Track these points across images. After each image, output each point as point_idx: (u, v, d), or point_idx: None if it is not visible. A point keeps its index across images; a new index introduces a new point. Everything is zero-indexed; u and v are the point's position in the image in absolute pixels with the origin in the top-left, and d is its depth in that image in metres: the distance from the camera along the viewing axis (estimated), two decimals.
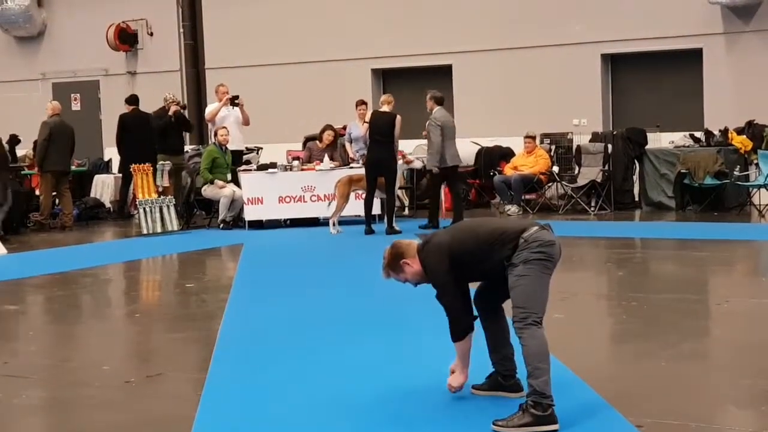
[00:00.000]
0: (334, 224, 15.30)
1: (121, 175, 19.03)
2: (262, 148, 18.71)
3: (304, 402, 6.08)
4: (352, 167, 16.24)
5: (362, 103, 17.35)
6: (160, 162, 16.98)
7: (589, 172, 17.49)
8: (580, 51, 19.12)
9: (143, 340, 8.72)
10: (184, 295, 10.89)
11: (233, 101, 17.18)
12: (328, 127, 17.27)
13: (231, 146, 16.88)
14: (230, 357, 7.36)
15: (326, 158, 16.47)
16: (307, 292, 10.38)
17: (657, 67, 19.15)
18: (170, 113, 17.31)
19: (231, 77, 19.22)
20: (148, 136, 18.09)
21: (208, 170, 16.37)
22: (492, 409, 5.73)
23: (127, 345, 8.53)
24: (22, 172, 19.54)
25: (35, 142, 18.11)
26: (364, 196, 15.49)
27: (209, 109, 17.78)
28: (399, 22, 20.58)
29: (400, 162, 16.05)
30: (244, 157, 18.03)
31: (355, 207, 15.65)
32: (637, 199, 17.85)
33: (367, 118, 16.36)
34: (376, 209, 15.65)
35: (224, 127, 16.73)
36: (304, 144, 18.75)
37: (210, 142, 17.41)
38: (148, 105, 19.35)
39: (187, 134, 19.17)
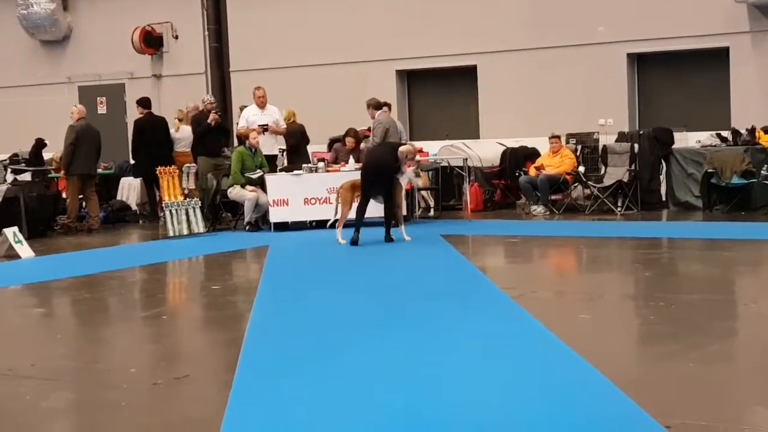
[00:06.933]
0: (341, 232, 14.16)
1: (140, 179, 19.14)
2: (285, 150, 18.74)
3: (332, 405, 6.06)
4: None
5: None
6: (186, 165, 17.06)
7: (616, 172, 17.43)
8: (605, 51, 19.08)
9: (170, 342, 8.73)
10: (210, 297, 10.89)
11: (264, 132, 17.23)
12: (350, 132, 17.29)
13: (265, 151, 16.93)
14: (257, 359, 7.36)
15: (351, 160, 16.47)
16: (333, 293, 10.37)
17: (683, 66, 19.09)
18: (210, 120, 17.32)
19: (256, 80, 19.26)
20: (164, 139, 18.16)
21: (238, 172, 16.40)
22: (523, 405, 5.72)
23: (154, 347, 8.54)
24: (49, 176, 19.64)
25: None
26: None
27: (242, 125, 17.75)
28: (423, 23, 20.57)
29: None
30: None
31: (376, 209, 15.37)
32: (664, 199, 17.76)
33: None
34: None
35: (254, 130, 16.75)
36: (330, 145, 18.78)
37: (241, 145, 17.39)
38: (173, 107, 19.44)
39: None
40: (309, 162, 17.06)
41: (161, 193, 16.95)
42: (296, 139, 18.18)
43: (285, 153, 19.08)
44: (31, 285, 12.10)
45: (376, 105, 16.57)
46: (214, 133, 17.57)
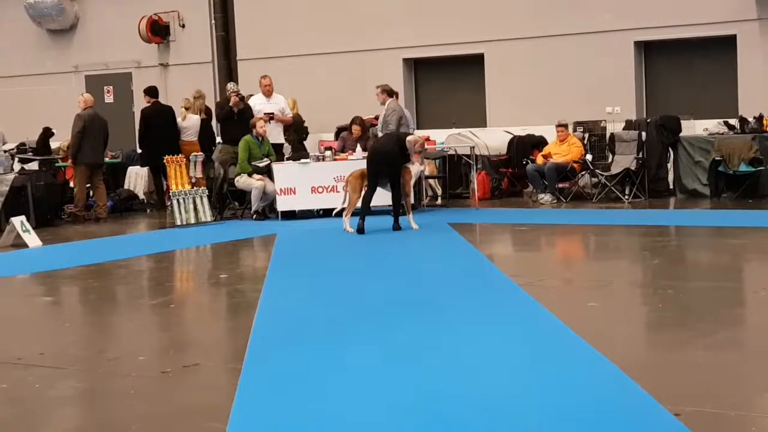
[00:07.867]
0: (349, 221, 14.20)
1: (147, 168, 19.13)
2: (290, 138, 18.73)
3: (341, 392, 6.07)
4: None
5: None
6: (193, 153, 17.07)
7: (623, 160, 17.39)
8: (613, 39, 19.01)
9: (179, 331, 8.74)
10: (218, 285, 10.92)
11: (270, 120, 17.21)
12: (356, 120, 17.28)
13: (271, 140, 16.92)
14: (266, 346, 7.37)
15: (359, 148, 16.46)
16: (341, 281, 10.38)
17: (690, 54, 19.02)
18: (231, 104, 17.30)
19: (263, 68, 19.25)
20: (171, 128, 18.14)
21: (245, 160, 16.38)
22: (531, 398, 5.72)
23: (162, 335, 8.55)
24: (57, 164, 19.65)
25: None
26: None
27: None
28: (431, 11, 20.51)
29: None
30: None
31: (383, 197, 15.26)
32: (671, 186, 17.73)
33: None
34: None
35: (261, 119, 16.73)
36: (337, 134, 18.77)
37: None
38: (180, 96, 19.43)
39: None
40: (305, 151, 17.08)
41: (168, 181, 16.96)
42: (301, 128, 18.21)
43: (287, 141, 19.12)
44: (38, 274, 12.11)
45: (389, 91, 16.49)
46: (236, 121, 17.46)
